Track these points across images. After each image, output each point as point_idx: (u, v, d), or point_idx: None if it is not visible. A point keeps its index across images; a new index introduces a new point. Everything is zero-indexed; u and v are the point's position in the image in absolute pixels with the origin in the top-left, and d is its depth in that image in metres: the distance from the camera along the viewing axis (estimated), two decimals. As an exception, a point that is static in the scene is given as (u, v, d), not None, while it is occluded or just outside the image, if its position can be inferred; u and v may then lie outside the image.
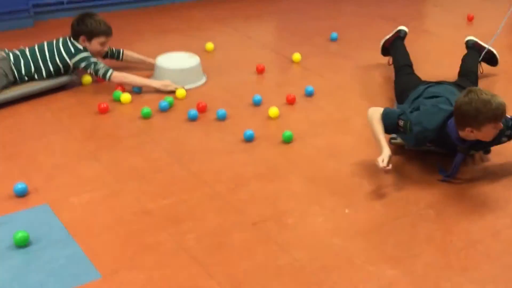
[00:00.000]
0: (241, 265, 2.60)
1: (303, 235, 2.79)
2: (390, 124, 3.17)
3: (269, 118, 3.78)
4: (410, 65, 4.04)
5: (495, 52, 4.26)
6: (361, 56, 4.71)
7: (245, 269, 2.58)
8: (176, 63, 4.15)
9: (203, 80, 4.21)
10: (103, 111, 3.77)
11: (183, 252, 2.66)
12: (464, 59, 4.15)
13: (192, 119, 3.72)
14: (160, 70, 4.14)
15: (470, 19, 5.58)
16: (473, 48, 4.26)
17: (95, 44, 4.02)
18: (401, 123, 3.14)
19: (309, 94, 4.06)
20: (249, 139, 3.48)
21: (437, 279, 2.53)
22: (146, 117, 3.71)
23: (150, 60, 4.31)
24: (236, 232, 2.80)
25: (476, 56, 4.19)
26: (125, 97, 3.87)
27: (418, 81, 3.75)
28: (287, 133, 3.51)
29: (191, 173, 3.22)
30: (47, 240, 2.71)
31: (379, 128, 3.15)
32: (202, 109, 3.78)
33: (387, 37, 4.42)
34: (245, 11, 5.74)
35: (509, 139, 3.19)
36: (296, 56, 4.60)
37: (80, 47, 3.98)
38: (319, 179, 3.20)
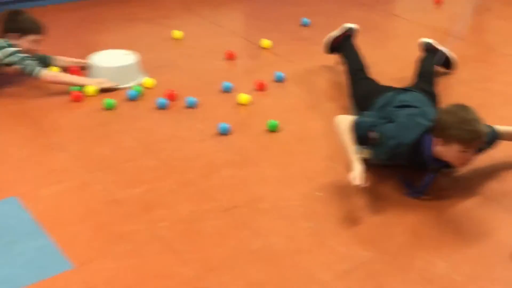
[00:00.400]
0: (214, 251, 2.57)
1: (277, 220, 2.78)
2: (361, 135, 2.92)
3: (240, 104, 3.75)
4: (363, 68, 3.78)
5: (450, 55, 4.08)
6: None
7: (219, 254, 2.55)
8: (111, 61, 4.00)
9: (141, 79, 3.99)
10: (76, 99, 3.71)
11: (156, 240, 2.62)
12: (420, 60, 3.90)
13: (162, 107, 3.67)
14: (95, 68, 3.98)
15: (437, 2, 5.61)
16: (428, 50, 4.04)
17: (27, 42, 3.81)
18: (372, 135, 2.91)
19: (280, 80, 4.04)
20: (224, 132, 3.43)
21: (411, 258, 2.54)
22: (109, 108, 3.65)
23: (83, 61, 4.09)
24: (209, 219, 2.77)
25: (432, 58, 3.96)
26: (92, 88, 3.80)
27: (381, 87, 3.49)
28: (272, 122, 3.46)
29: (161, 161, 3.19)
30: (17, 233, 2.65)
31: (348, 138, 2.92)
32: (171, 97, 3.74)
33: (334, 34, 4.14)
34: (213, -1, 5.69)
35: (488, 148, 3.00)
36: (266, 42, 4.57)
37: (9, 43, 3.79)
38: (292, 164, 3.18)
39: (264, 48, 4.56)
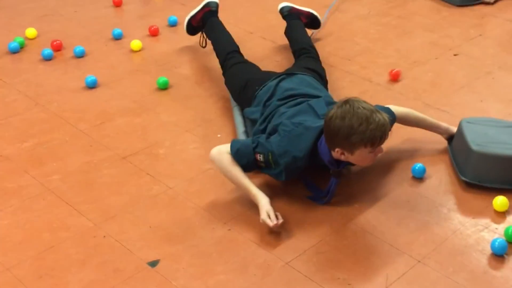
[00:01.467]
0: (113, 199, 2.47)
1: (176, 164, 2.69)
2: (246, 162, 2.42)
3: (132, 51, 3.59)
4: (237, 50, 3.22)
5: (315, 14, 3.61)
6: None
7: (118, 202, 2.46)
8: None
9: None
10: None
11: (48, 194, 2.49)
12: (290, 34, 3.44)
13: (47, 58, 3.46)
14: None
15: None
16: (291, 16, 3.53)
17: None
18: (260, 157, 2.41)
19: (173, 24, 3.90)
20: (91, 85, 3.24)
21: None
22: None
23: None
24: (105, 169, 2.65)
25: (301, 25, 3.49)
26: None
27: (259, 73, 3.00)
28: (163, 79, 3.26)
29: (51, 114, 3.02)
30: None
31: (237, 172, 2.40)
32: (57, 47, 3.53)
33: (193, 12, 3.52)
34: None
35: None
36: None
37: None
38: (189, 108, 3.09)
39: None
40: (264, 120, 2.62)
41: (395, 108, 2.63)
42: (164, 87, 3.23)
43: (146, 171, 2.63)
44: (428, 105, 3.08)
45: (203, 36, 3.48)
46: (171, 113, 3.05)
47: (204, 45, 3.48)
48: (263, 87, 2.79)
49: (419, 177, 2.60)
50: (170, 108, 3.09)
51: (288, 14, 3.54)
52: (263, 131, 2.57)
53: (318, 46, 3.44)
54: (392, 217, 2.40)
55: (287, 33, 3.48)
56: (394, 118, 2.57)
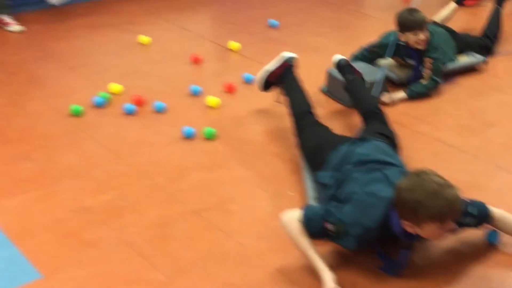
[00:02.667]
0: (185, 254, 2.55)
1: (248, 220, 2.76)
2: (316, 231, 2.40)
3: (209, 107, 3.72)
4: (310, 111, 3.22)
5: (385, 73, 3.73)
6: (301, 42, 4.67)
7: (190, 257, 2.53)
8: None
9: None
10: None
11: (125, 246, 2.58)
12: (354, 93, 3.40)
13: (129, 113, 3.63)
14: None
15: (406, 1, 5.63)
16: (348, 70, 3.50)
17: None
18: (330, 227, 2.37)
19: (249, 82, 4.02)
20: (189, 136, 3.39)
21: None
22: (76, 114, 3.59)
23: None
24: (178, 223, 2.74)
25: (363, 83, 3.49)
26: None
27: (333, 137, 3.02)
28: (209, 130, 3.39)
29: (130, 166, 3.15)
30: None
31: (305, 243, 2.39)
32: (138, 103, 3.70)
33: (270, 68, 3.51)
34: (178, 3, 5.65)
35: (474, 226, 2.49)
36: (234, 45, 4.55)
37: None
38: (261, 165, 3.16)
39: (232, 50, 4.54)
40: (336, 186, 2.61)
41: (490, 208, 2.51)
42: (210, 137, 3.35)
43: (218, 226, 2.71)
44: (501, 168, 3.05)
45: (280, 92, 3.51)
46: (243, 169, 3.13)
47: (280, 101, 3.52)
48: (336, 151, 2.78)
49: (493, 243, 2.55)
50: (243, 164, 3.17)
51: (346, 66, 3.52)
52: (334, 197, 2.56)
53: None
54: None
55: (350, 91, 3.45)
56: (485, 214, 2.46)
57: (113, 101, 3.78)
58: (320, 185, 2.79)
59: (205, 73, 4.25)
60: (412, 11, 3.85)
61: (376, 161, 2.63)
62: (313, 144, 2.97)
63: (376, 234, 2.36)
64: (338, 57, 3.58)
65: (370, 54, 4.01)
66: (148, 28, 4.96)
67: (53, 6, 5.23)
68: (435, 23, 4.30)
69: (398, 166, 2.63)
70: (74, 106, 3.60)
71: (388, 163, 2.63)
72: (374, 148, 2.74)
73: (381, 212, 2.34)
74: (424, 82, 3.79)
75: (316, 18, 4.67)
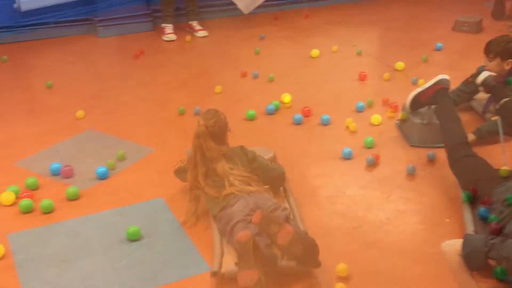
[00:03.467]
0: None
1: (400, 243, 2.79)
2: (476, 264, 2.36)
3: (372, 124, 3.83)
4: (466, 141, 3.10)
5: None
6: (465, 66, 4.63)
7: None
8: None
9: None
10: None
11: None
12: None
13: (297, 122, 3.85)
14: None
15: None
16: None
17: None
18: (493, 263, 2.32)
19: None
20: (347, 157, 3.46)
21: None
22: (250, 118, 3.89)
23: None
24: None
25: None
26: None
27: (495, 171, 2.92)
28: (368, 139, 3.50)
29: (295, 176, 3.31)
30: (161, 232, 2.86)
31: (463, 280, 2.38)
32: (306, 113, 3.91)
33: (423, 87, 3.48)
34: (352, 17, 5.80)
35: None
36: (400, 65, 4.64)
37: None
38: (420, 193, 3.18)
39: (397, 70, 4.63)
40: (502, 220, 2.57)
41: None
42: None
43: (374, 243, 2.80)
44: None
45: (434, 113, 3.42)
46: (403, 194, 3.16)
47: (426, 123, 3.49)
48: (502, 186, 2.75)
49: None
50: (403, 190, 3.20)
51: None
52: (500, 231, 2.52)
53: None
54: None
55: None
56: None
57: (283, 110, 4.03)
58: (481, 220, 2.75)
59: (370, 90, 4.36)
60: None
61: None
62: (473, 176, 2.91)
63: None
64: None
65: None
66: (318, 41, 5.17)
67: (233, 15, 5.64)
68: None
69: None
70: (250, 111, 3.90)
71: None
72: None
73: None
74: None
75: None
